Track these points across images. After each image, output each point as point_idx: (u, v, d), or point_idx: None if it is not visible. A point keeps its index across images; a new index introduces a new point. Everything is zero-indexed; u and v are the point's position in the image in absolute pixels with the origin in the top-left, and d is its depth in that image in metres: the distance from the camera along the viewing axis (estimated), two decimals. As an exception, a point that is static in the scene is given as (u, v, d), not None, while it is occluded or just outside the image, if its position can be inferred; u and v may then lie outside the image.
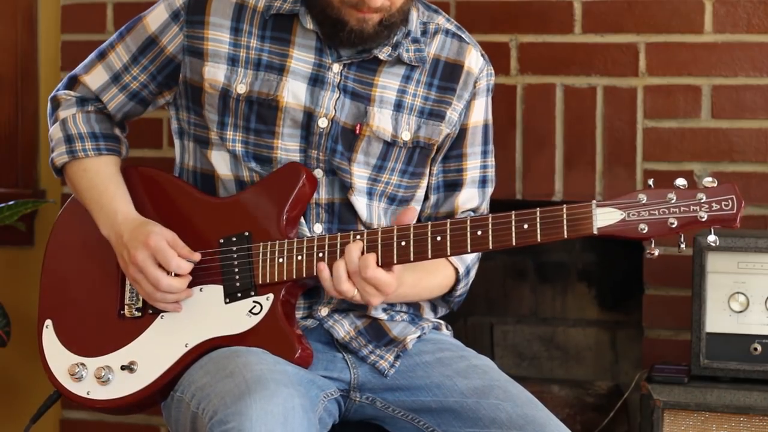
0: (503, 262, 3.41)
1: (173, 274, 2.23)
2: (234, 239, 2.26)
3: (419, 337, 2.36)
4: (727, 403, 2.62)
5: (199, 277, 2.27)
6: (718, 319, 2.67)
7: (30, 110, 3.44)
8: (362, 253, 2.15)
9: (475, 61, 2.37)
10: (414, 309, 2.38)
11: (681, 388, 2.65)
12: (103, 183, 2.35)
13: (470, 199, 2.40)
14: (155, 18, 2.35)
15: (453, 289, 2.37)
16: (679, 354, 2.92)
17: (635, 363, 3.28)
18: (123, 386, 2.26)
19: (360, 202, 2.31)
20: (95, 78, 2.40)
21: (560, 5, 3.04)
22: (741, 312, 2.66)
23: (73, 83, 2.43)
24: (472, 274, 2.41)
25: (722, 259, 2.66)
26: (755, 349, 2.65)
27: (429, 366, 2.30)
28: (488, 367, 2.30)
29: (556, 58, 3.04)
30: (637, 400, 2.90)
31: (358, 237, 2.17)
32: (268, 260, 2.23)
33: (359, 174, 2.30)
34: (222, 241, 2.27)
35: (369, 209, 2.32)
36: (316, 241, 2.21)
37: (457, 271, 2.35)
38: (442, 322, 2.45)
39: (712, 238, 2.05)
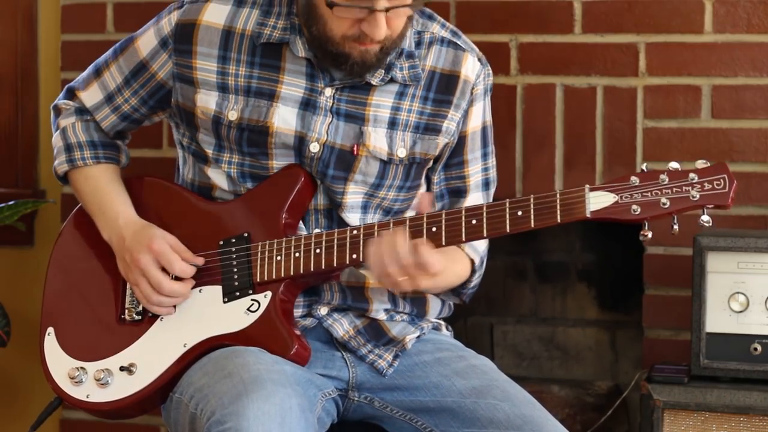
0: (503, 262, 3.41)
1: (173, 277, 2.25)
2: (233, 240, 2.26)
3: (418, 337, 2.36)
4: (727, 403, 2.61)
5: (199, 278, 2.27)
6: (718, 319, 2.67)
7: (30, 110, 3.44)
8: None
9: (471, 68, 2.34)
10: (417, 309, 2.38)
11: (681, 388, 2.65)
12: (105, 188, 2.36)
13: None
14: (146, 42, 2.34)
15: (468, 280, 2.37)
16: (679, 354, 2.92)
17: (635, 363, 3.27)
18: (122, 388, 2.26)
19: (352, 218, 2.30)
20: (91, 96, 2.40)
21: (560, 5, 3.04)
22: (741, 312, 2.66)
23: (71, 95, 2.44)
24: (484, 266, 2.40)
25: (722, 259, 2.66)
26: (755, 349, 2.65)
27: (428, 366, 2.30)
28: (487, 367, 2.30)
29: (556, 58, 3.04)
30: (637, 400, 2.89)
31: (355, 231, 2.18)
32: (266, 259, 2.23)
33: (355, 191, 2.29)
34: (222, 243, 2.27)
35: (362, 222, 2.30)
36: (313, 238, 2.21)
37: (473, 262, 2.35)
38: (442, 322, 2.45)
39: (705, 218, 2.04)
